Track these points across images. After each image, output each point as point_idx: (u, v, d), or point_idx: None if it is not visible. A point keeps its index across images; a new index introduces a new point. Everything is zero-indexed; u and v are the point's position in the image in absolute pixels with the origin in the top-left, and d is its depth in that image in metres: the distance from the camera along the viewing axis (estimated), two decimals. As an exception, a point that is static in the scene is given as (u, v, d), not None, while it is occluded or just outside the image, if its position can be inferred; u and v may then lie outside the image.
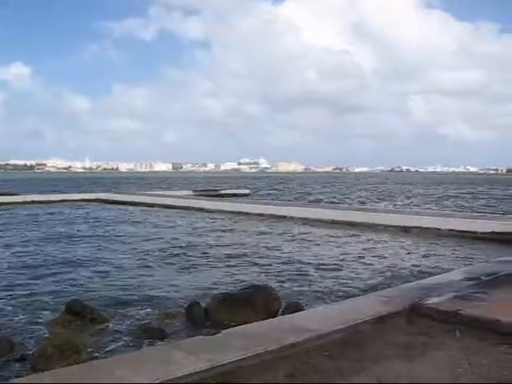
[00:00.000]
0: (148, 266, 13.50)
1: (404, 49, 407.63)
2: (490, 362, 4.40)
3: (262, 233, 20.76)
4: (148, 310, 9.05)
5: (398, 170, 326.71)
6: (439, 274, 9.81)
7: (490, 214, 26.16)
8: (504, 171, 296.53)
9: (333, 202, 40.11)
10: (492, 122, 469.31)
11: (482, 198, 48.32)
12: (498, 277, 7.15)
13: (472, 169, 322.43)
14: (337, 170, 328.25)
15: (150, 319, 8.44)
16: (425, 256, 15.21)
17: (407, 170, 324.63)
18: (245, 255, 15.34)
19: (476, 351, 4.66)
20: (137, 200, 36.22)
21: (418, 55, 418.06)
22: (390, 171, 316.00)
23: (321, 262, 14.24)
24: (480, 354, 4.58)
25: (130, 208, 32.87)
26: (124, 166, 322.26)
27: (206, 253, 15.72)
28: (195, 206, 31.23)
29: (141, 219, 26.07)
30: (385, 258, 14.94)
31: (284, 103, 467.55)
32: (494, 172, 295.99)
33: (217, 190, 49.79)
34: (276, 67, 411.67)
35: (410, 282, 8.42)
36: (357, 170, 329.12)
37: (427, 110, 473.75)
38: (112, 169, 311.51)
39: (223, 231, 21.30)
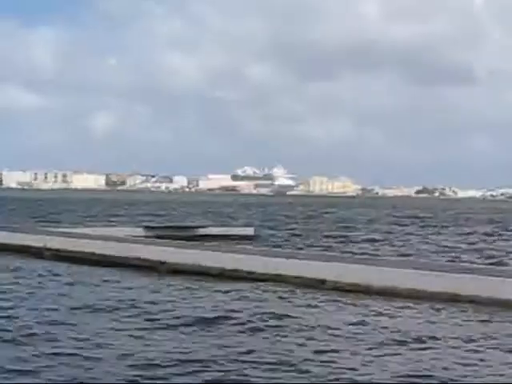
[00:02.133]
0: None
1: None
2: None
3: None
4: None
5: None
6: None
7: None
8: None
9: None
10: None
11: None
12: None
13: None
14: (424, 194, 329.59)
15: None
16: None
17: None
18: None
19: None
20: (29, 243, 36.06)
21: None
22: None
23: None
24: None
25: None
26: (13, 179, 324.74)
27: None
28: (149, 257, 30.73)
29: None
30: None
31: (321, 65, 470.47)
32: None
33: (191, 228, 50.46)
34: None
35: None
36: (462, 193, 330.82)
37: None
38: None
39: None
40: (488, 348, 16.96)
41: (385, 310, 21.41)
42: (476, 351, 16.61)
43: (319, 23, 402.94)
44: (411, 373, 14.51)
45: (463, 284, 23.03)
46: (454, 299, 22.16)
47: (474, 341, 17.75)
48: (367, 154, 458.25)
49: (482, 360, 15.77)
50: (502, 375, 14.57)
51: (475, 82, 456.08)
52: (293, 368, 14.56)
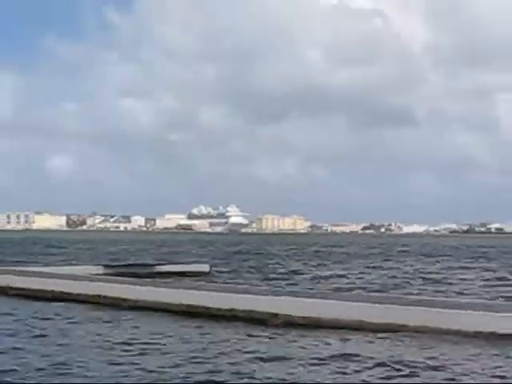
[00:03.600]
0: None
1: (483, 13, 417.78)
2: None
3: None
4: None
5: (483, 229, 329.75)
6: None
7: None
8: None
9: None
10: None
11: None
12: None
13: None
14: (370, 231, 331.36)
15: None
16: None
17: (498, 229, 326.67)
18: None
19: None
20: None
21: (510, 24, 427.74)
22: (467, 232, 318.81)
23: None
24: None
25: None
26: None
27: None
28: (109, 294, 30.51)
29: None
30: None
31: (270, 109, 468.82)
32: None
33: (150, 266, 50.31)
34: (252, 42, 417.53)
35: None
36: (406, 229, 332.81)
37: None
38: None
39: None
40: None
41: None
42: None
43: (268, 69, 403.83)
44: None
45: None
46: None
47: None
48: (317, 192, 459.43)
49: None
50: None
51: (416, 123, 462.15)
52: None
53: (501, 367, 17.71)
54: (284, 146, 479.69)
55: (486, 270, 63.43)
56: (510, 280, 50.22)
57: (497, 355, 19.08)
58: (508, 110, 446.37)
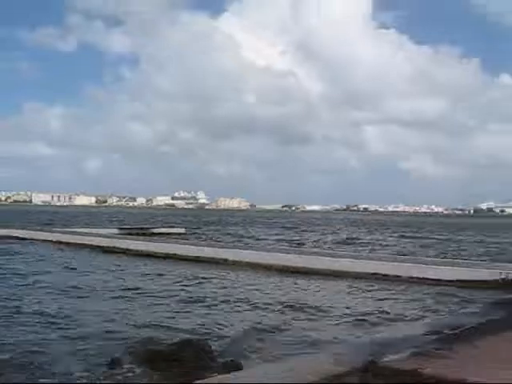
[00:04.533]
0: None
1: (355, 73, 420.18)
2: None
3: (197, 278, 20.76)
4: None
5: (355, 208, 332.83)
6: (399, 325, 9.85)
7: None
8: (471, 212, 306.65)
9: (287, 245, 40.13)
10: (456, 156, 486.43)
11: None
12: (463, 330, 7.20)
13: (437, 209, 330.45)
14: (286, 208, 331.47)
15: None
16: (387, 305, 15.33)
17: (365, 208, 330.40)
18: (180, 303, 15.26)
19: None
20: (51, 238, 35.92)
21: (371, 81, 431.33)
22: (346, 210, 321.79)
23: (273, 313, 14.23)
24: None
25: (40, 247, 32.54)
26: (39, 198, 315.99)
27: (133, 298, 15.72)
28: (120, 246, 30.75)
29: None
30: (347, 307, 15.01)
31: (223, 130, 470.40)
32: (460, 212, 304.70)
33: (147, 229, 49.67)
34: (213, 88, 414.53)
35: (364, 336, 8.37)
36: (308, 208, 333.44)
37: (385, 142, 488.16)
38: (24, 201, 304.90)
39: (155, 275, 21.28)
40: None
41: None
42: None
43: (222, 105, 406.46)
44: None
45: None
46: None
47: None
48: (253, 183, 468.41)
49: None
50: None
51: (314, 143, 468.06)
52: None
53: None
54: (232, 154, 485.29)
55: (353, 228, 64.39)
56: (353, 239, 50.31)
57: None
58: (370, 135, 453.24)
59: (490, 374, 5.34)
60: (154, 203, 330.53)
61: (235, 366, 7.74)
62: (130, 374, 8.21)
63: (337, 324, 12.67)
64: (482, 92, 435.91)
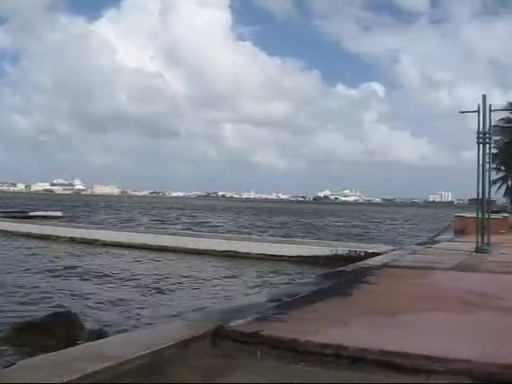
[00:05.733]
0: None
1: (215, 78, 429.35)
2: (287, 379, 4.52)
3: (71, 254, 20.15)
4: None
5: (214, 195, 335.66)
6: (247, 296, 10.07)
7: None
8: (311, 199, 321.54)
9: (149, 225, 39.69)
10: (299, 152, 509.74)
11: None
12: (297, 298, 7.48)
13: (283, 196, 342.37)
14: (154, 194, 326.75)
15: None
16: (233, 280, 15.62)
17: (222, 195, 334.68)
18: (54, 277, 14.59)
19: (275, 370, 4.77)
20: None
21: (229, 85, 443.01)
22: (207, 196, 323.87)
23: (137, 287, 13.99)
24: (278, 373, 4.70)
25: None
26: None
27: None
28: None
29: None
30: (198, 283, 15.08)
31: (98, 124, 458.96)
32: (302, 199, 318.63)
33: (25, 212, 47.26)
34: (88, 86, 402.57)
35: (217, 305, 8.50)
36: (173, 194, 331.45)
37: (239, 138, 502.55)
38: None
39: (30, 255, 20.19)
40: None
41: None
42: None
43: (97, 101, 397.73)
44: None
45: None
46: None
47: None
48: (123, 171, 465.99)
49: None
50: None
51: (179, 137, 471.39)
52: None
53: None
54: (106, 145, 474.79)
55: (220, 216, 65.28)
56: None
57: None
58: (228, 132, 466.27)
59: (316, 332, 5.58)
60: (33, 189, 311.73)
61: (100, 335, 7.56)
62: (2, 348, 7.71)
63: (191, 297, 12.81)
64: (321, 98, 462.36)
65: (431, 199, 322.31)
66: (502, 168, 51.48)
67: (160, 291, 13.53)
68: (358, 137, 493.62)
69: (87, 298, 12.08)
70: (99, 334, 7.64)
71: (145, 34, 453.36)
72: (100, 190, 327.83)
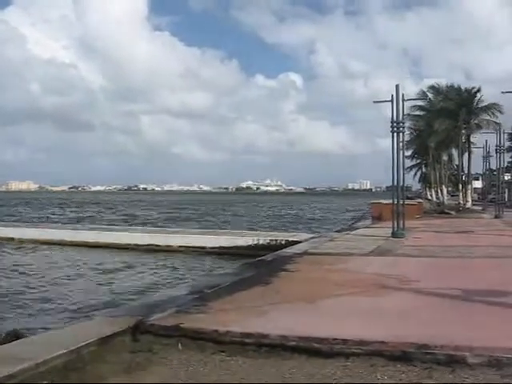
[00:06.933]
0: None
1: (131, 69, 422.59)
2: (208, 370, 4.58)
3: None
4: None
5: (135, 188, 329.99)
6: (166, 290, 10.01)
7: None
8: (234, 189, 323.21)
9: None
10: (221, 143, 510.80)
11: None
12: (218, 289, 7.50)
13: (205, 187, 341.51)
14: (73, 189, 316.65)
15: None
16: (156, 272, 15.50)
17: (144, 188, 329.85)
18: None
19: (196, 361, 4.81)
20: None
21: (146, 76, 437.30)
22: (127, 190, 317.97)
23: (54, 286, 13.59)
24: (199, 364, 4.74)
25: None
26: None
27: None
28: None
29: None
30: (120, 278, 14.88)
31: (10, 116, 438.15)
32: (225, 190, 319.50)
33: None
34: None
35: (137, 300, 8.39)
36: (94, 188, 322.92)
37: (159, 130, 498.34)
38: None
39: None
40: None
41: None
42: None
43: (8, 93, 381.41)
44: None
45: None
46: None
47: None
48: (39, 167, 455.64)
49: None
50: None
51: (95, 129, 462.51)
52: None
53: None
54: (19, 139, 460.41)
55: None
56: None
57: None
58: (146, 124, 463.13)
59: (237, 322, 5.66)
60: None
61: (16, 336, 7.25)
62: None
63: (118, 293, 12.57)
64: (240, 89, 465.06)
65: (350, 187, 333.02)
66: (416, 155, 53.94)
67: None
68: (279, 127, 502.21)
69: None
70: (14, 336, 7.27)
71: (58, 23, 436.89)
72: (16, 186, 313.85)
